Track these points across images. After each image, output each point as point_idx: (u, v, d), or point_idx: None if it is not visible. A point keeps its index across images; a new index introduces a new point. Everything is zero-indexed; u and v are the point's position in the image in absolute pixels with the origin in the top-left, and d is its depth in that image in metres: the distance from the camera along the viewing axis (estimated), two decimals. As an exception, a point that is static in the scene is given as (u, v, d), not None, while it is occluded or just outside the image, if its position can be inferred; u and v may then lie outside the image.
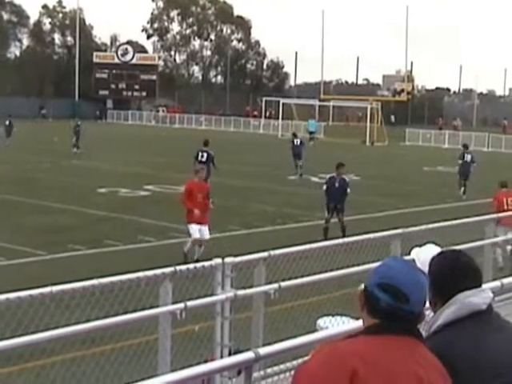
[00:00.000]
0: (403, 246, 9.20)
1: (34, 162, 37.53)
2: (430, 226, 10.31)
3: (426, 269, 5.23)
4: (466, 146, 34.76)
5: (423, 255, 5.61)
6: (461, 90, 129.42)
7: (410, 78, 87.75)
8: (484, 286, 3.66)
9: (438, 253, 3.84)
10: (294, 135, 41.27)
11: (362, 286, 3.24)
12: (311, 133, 66.23)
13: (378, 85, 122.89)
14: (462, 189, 31.42)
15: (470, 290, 3.53)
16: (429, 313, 4.78)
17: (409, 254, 5.34)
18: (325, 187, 21.34)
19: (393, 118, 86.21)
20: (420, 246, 5.71)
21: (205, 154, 27.62)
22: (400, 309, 3.10)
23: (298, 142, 39.40)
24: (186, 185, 18.34)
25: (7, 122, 49.93)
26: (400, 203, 27.38)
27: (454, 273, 3.58)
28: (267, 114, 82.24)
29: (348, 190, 21.10)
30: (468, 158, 32.67)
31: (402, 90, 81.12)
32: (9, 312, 6.31)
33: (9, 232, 20.15)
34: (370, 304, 3.16)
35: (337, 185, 21.02)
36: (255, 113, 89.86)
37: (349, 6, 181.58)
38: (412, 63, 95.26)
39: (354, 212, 21.80)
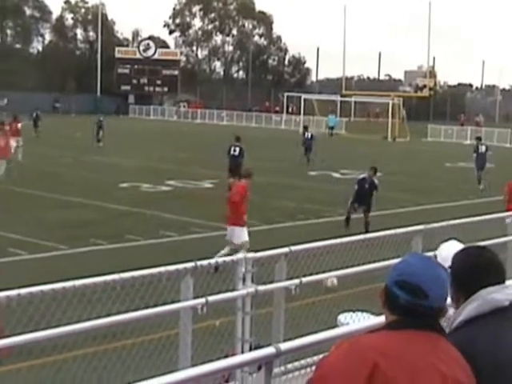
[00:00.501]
0: (424, 243, 9.17)
1: (55, 157, 37.67)
2: (452, 222, 10.26)
3: (446, 264, 5.22)
4: (479, 138, 35.91)
5: (445, 251, 5.60)
6: (483, 86, 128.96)
7: (432, 73, 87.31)
8: (507, 282, 3.64)
9: (461, 249, 3.83)
10: (305, 128, 41.87)
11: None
12: (331, 128, 66.25)
13: (399, 80, 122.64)
14: (482, 182, 32.07)
15: (493, 286, 3.52)
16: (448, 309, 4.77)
17: (435, 250, 5.32)
18: (356, 187, 21.43)
19: (404, 112, 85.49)
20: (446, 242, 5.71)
21: (237, 149, 28.30)
22: (419, 305, 3.12)
23: (309, 136, 40.26)
24: (238, 188, 16.81)
25: (35, 115, 50.77)
26: (421, 199, 27.29)
27: (478, 269, 3.57)
28: (290, 109, 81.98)
29: (374, 193, 21.25)
30: (482, 148, 33.72)
31: (424, 86, 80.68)
32: (31, 306, 6.34)
33: (31, 226, 20.26)
34: (390, 301, 3.20)
35: (366, 186, 21.13)
36: (277, 108, 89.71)
37: (371, 2, 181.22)
38: (434, 59, 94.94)
39: (375, 208, 21.77)
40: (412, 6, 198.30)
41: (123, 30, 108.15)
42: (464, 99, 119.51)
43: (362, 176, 21.92)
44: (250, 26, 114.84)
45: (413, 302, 3.12)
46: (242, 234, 16.30)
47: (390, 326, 3.18)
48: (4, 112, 56.06)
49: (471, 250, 3.74)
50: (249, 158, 28.76)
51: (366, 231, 18.20)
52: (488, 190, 30.29)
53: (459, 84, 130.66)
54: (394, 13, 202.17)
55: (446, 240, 5.94)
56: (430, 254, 7.96)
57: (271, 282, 7.98)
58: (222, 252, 15.38)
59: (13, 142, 34.58)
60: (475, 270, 3.56)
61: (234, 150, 28.29)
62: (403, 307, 3.14)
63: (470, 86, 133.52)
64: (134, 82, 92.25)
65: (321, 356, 6.44)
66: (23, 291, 6.27)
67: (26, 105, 60.97)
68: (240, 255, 7.43)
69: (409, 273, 3.17)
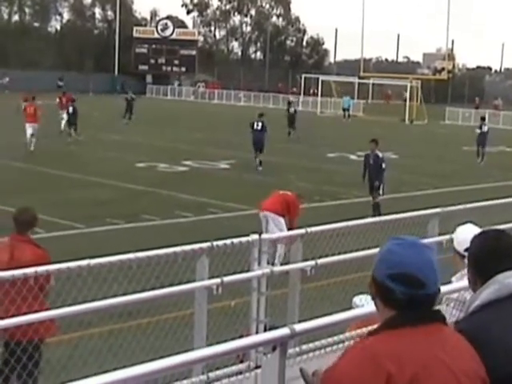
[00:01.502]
0: (441, 226, 9.14)
1: (73, 136, 37.67)
2: (469, 205, 10.23)
3: (462, 248, 5.21)
4: (483, 119, 38.05)
5: (462, 235, 5.58)
6: (502, 69, 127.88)
7: (450, 56, 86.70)
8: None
9: (479, 232, 3.80)
10: (289, 103, 46.05)
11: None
12: (345, 110, 66.14)
13: (418, 63, 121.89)
14: (480, 157, 35.08)
15: (511, 270, 3.50)
16: (463, 292, 4.75)
17: (451, 233, 5.30)
18: (363, 166, 21.43)
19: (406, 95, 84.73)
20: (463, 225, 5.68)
21: (260, 123, 30.08)
22: (416, 294, 2.97)
23: (293, 111, 44.49)
24: (297, 206, 16.30)
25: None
26: (439, 182, 27.21)
27: (496, 252, 3.54)
28: (310, 91, 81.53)
29: (383, 166, 20.92)
30: (485, 128, 36.16)
31: (443, 69, 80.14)
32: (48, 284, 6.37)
33: (49, 205, 20.30)
34: (384, 295, 3.04)
35: (371, 162, 21.00)
36: (294, 89, 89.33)
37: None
38: (453, 41, 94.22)
39: (391, 190, 21.71)
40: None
41: (141, 10, 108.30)
42: (483, 82, 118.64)
43: (365, 153, 21.85)
44: (268, 7, 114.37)
45: (410, 292, 2.97)
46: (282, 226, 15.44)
47: (389, 325, 3.02)
48: (6, 90, 56.31)
49: (490, 234, 3.70)
50: (266, 138, 29.20)
51: (375, 215, 18.12)
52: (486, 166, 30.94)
53: (478, 67, 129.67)
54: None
55: (463, 223, 5.92)
56: (447, 237, 7.97)
57: (287, 263, 7.98)
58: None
59: (64, 115, 38.75)
60: (493, 254, 3.53)
61: (257, 125, 29.96)
62: (400, 300, 2.98)
63: (489, 68, 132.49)
64: (152, 61, 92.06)
65: (335, 338, 6.47)
66: (40, 269, 6.31)
67: (44, 83, 60.69)
68: (255, 236, 7.42)
69: (399, 263, 2.99)
